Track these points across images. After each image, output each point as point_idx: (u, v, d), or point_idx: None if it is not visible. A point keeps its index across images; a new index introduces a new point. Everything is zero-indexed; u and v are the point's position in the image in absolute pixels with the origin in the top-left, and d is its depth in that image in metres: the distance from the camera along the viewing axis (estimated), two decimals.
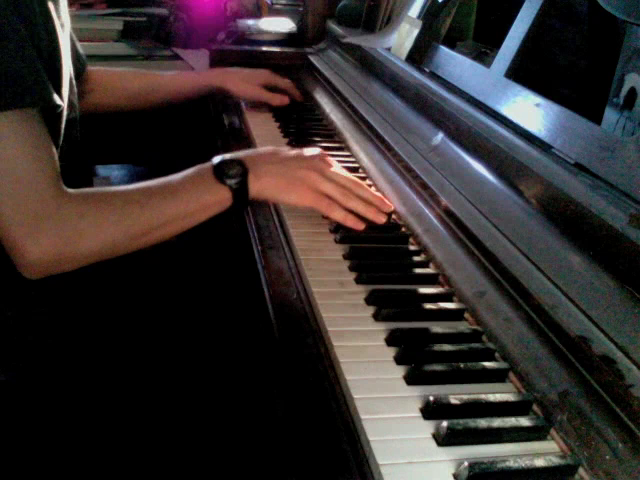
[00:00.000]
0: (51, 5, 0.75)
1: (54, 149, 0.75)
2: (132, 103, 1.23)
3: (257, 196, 0.82)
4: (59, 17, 0.78)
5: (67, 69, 0.81)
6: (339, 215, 0.81)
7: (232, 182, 0.79)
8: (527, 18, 0.90)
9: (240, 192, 0.80)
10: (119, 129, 1.45)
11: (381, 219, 0.83)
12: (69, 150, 0.86)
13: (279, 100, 1.32)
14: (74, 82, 0.88)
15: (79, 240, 0.72)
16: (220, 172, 0.79)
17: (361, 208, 0.82)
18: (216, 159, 0.81)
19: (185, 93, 1.29)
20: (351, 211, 0.82)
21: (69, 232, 0.72)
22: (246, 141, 1.22)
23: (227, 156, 0.82)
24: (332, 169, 0.84)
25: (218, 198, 0.79)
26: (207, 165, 0.81)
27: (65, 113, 0.81)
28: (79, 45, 1.05)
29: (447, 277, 0.73)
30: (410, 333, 0.64)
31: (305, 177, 0.82)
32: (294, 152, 0.87)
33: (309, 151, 0.87)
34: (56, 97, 0.73)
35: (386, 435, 0.51)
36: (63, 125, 0.81)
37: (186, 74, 1.39)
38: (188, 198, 0.78)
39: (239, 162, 0.81)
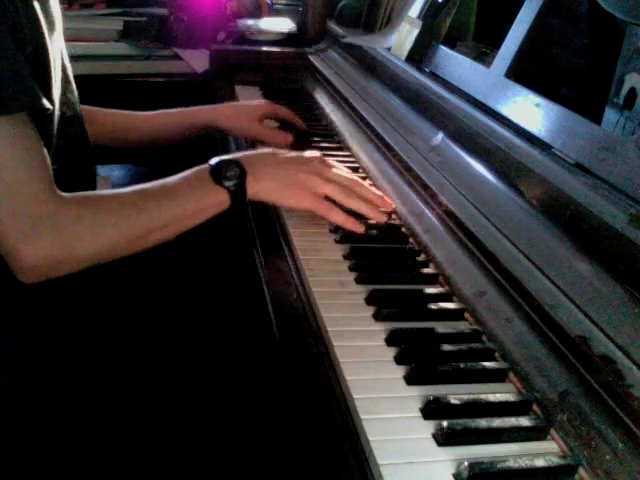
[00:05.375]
0: (36, 4, 0.74)
1: (46, 152, 0.74)
2: (107, 142, 1.10)
3: (255, 198, 0.81)
4: (47, 16, 0.77)
5: (58, 68, 0.81)
6: (339, 218, 0.81)
7: (230, 184, 0.79)
8: (527, 18, 0.90)
9: (238, 194, 0.79)
10: None
11: (382, 218, 0.83)
12: (70, 149, 0.85)
13: (283, 138, 1.11)
14: (70, 79, 0.88)
15: (76, 244, 0.72)
16: (218, 174, 0.79)
17: (363, 208, 0.82)
18: (214, 160, 0.81)
19: (168, 133, 1.14)
20: (351, 212, 0.82)
21: (66, 236, 0.72)
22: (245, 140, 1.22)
23: (225, 157, 0.82)
24: (332, 170, 0.84)
25: (216, 200, 0.79)
26: (205, 166, 0.81)
27: (58, 113, 0.81)
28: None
29: (447, 277, 0.73)
30: (410, 333, 0.64)
31: (304, 180, 0.82)
32: (293, 154, 0.86)
33: (308, 153, 0.87)
34: (44, 100, 0.72)
35: (386, 435, 0.51)
36: (55, 126, 0.80)
37: (169, 112, 1.16)
38: (185, 200, 0.78)
39: (237, 163, 0.80)
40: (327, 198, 0.82)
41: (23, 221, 0.70)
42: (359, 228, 0.81)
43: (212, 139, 1.29)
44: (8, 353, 0.82)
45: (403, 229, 0.86)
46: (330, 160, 0.87)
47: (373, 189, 0.87)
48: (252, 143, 1.17)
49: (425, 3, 1.18)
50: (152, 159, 1.43)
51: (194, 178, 0.80)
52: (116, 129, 1.11)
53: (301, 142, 1.12)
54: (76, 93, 0.90)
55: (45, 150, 0.74)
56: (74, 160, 0.87)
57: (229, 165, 0.80)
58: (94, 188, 0.99)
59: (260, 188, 0.81)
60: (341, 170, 0.85)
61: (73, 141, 0.87)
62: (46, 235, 0.70)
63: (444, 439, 0.51)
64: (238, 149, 1.16)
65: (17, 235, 0.70)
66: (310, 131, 1.21)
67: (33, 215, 0.70)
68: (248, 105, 1.18)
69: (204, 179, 0.79)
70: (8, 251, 0.71)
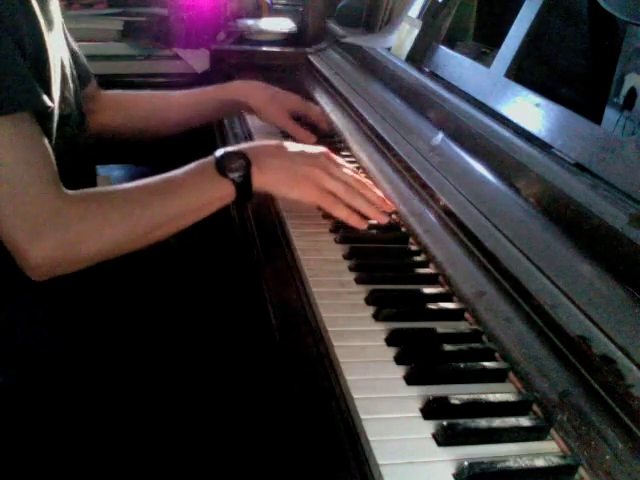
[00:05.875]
0: (34, 3, 0.74)
1: (50, 151, 0.74)
2: (139, 127, 1.11)
3: (260, 190, 0.81)
4: (45, 14, 0.77)
5: (57, 66, 0.81)
6: (343, 213, 0.81)
7: (235, 175, 0.78)
8: (527, 18, 0.90)
9: (243, 186, 0.79)
10: None
11: (383, 219, 0.83)
12: (67, 148, 0.85)
13: (305, 137, 1.10)
14: (69, 78, 0.88)
15: (81, 243, 0.72)
16: (223, 165, 0.79)
17: (364, 207, 0.82)
18: (219, 152, 0.80)
19: (201, 110, 1.15)
20: (354, 210, 0.82)
21: (70, 235, 0.72)
22: (245, 139, 1.22)
23: (230, 149, 0.81)
24: (337, 167, 0.84)
25: (221, 193, 0.79)
26: (209, 159, 0.80)
27: (57, 112, 0.81)
28: (83, 58, 1.01)
29: (447, 277, 0.73)
30: (410, 333, 0.64)
31: (310, 173, 0.81)
32: (299, 147, 0.86)
33: (314, 147, 0.87)
34: (45, 98, 0.72)
35: (386, 435, 0.51)
36: (55, 124, 0.80)
37: (201, 89, 1.17)
38: (190, 195, 0.78)
39: (242, 155, 0.80)
40: (331, 194, 0.82)
41: (27, 221, 0.70)
42: (362, 225, 0.81)
43: (211, 137, 1.29)
44: (8, 351, 0.82)
45: (403, 229, 0.86)
46: (336, 156, 0.87)
47: (375, 190, 0.87)
48: (249, 134, 1.17)
49: (425, 3, 1.18)
50: (152, 159, 1.43)
51: (199, 171, 0.80)
52: (149, 112, 1.12)
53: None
54: (73, 92, 0.90)
55: (49, 148, 0.74)
56: (72, 160, 0.87)
57: (234, 156, 0.80)
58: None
59: (266, 180, 0.80)
60: (346, 167, 0.85)
61: (70, 140, 0.86)
62: (50, 235, 0.71)
63: (444, 439, 0.51)
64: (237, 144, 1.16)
65: (22, 235, 0.70)
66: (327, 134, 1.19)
67: (37, 215, 0.70)
68: (283, 94, 1.17)
69: (209, 171, 0.79)
70: (14, 250, 0.71)
